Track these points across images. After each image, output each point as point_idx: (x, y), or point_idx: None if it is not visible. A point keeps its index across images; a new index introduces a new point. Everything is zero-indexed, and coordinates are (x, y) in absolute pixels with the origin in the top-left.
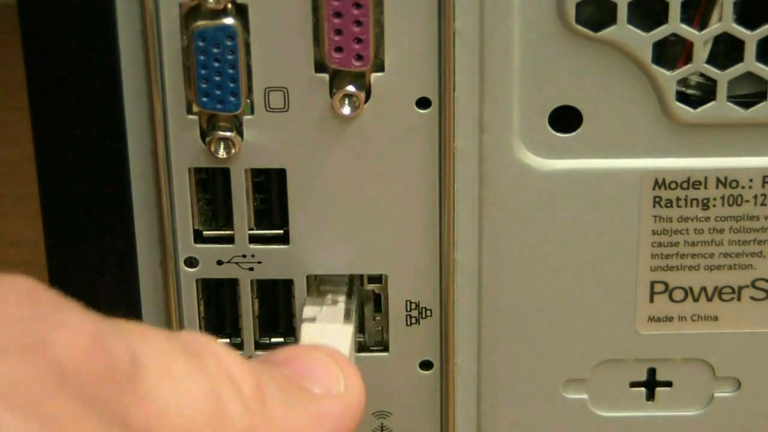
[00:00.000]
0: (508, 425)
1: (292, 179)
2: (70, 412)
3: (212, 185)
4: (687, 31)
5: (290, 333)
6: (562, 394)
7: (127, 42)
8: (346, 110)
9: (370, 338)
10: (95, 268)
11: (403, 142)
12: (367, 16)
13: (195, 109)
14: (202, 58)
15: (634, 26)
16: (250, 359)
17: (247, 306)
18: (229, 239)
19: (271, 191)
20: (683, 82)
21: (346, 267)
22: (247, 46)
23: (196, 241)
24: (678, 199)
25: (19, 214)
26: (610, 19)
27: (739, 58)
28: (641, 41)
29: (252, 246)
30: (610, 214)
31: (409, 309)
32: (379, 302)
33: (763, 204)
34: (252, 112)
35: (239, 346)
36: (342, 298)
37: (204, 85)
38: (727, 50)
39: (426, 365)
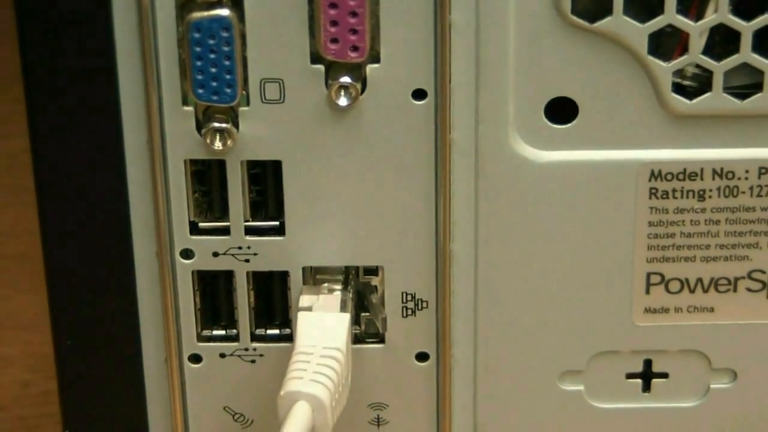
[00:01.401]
0: (505, 417)
1: (287, 171)
2: None
3: (208, 177)
4: (683, 22)
5: (286, 324)
6: (559, 386)
7: (123, 33)
8: (342, 102)
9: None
10: (91, 259)
11: (399, 134)
12: (362, 7)
13: (191, 100)
14: (197, 49)
15: (630, 17)
16: None
17: (243, 298)
18: (225, 231)
19: (266, 183)
20: (679, 73)
21: (342, 258)
22: (243, 37)
23: (191, 233)
24: (674, 191)
25: (17, 205)
26: (606, 10)
27: (735, 49)
28: (637, 32)
29: (248, 238)
30: (606, 205)
31: (405, 300)
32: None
33: (759, 195)
34: (248, 104)
35: (235, 338)
36: (338, 287)
37: (199, 77)
38: (723, 41)
39: (422, 357)
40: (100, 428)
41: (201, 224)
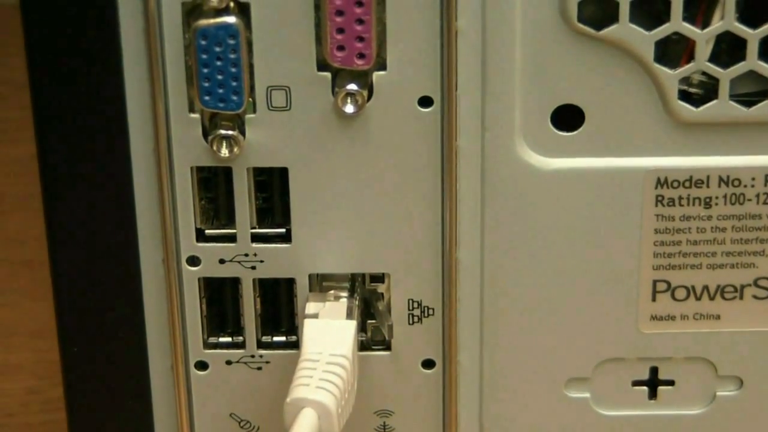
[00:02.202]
0: (511, 424)
1: (294, 178)
2: None
3: (214, 184)
4: (689, 29)
5: (292, 331)
6: (565, 393)
7: (130, 41)
8: (349, 109)
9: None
10: (97, 266)
11: (406, 141)
12: (369, 15)
13: (197, 107)
14: (204, 56)
15: (637, 25)
16: None
17: (249, 305)
18: (231, 238)
19: (273, 190)
20: (685, 80)
21: (348, 266)
22: (249, 44)
23: (198, 240)
24: (680, 198)
25: (23, 212)
26: (613, 17)
27: (741, 56)
28: (643, 40)
29: (254, 245)
30: (613, 212)
31: (411, 308)
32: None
33: (765, 203)
34: (254, 111)
35: (241, 345)
36: (344, 294)
37: (206, 84)
38: (729, 49)
39: (428, 364)
40: None
41: (207, 231)
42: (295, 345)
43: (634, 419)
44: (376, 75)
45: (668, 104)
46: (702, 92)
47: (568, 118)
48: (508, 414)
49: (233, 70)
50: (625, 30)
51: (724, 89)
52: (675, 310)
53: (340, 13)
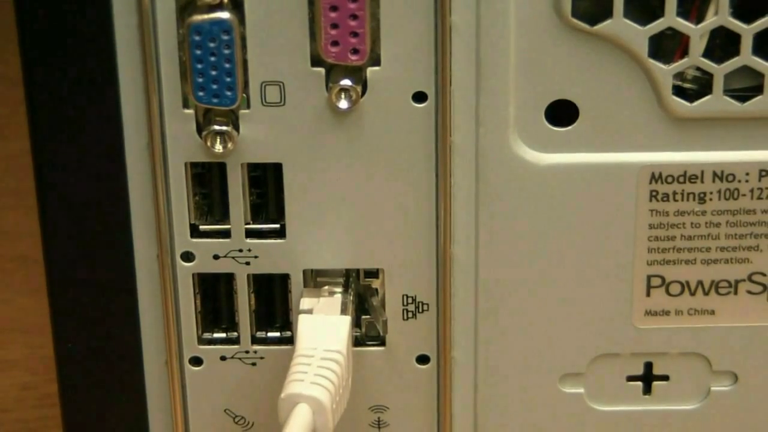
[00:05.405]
0: (505, 420)
1: (288, 174)
2: None
3: (208, 179)
4: (683, 24)
5: (287, 327)
6: (559, 388)
7: (124, 36)
8: (343, 104)
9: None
10: (92, 262)
11: (400, 137)
12: (363, 10)
13: (191, 103)
14: (197, 52)
15: (631, 20)
16: None
17: (244, 300)
18: (226, 233)
19: (267, 185)
20: (679, 75)
21: (343, 261)
22: (243, 40)
23: (192, 236)
24: (674, 193)
25: (18, 208)
26: (607, 12)
27: (735, 51)
28: (637, 35)
29: (248, 240)
30: (607, 208)
31: (405, 303)
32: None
33: (759, 198)
34: (248, 107)
35: (236, 341)
36: (339, 290)
37: (200, 80)
38: (723, 44)
39: (423, 359)
40: (100, 431)
41: (201, 227)
42: (290, 340)
43: (628, 414)
44: (370, 70)
45: (662, 99)
46: (696, 87)
47: (562, 113)
48: (503, 409)
49: (227, 65)
50: (619, 25)
51: (718, 84)
52: (669, 305)
53: (334, 8)
